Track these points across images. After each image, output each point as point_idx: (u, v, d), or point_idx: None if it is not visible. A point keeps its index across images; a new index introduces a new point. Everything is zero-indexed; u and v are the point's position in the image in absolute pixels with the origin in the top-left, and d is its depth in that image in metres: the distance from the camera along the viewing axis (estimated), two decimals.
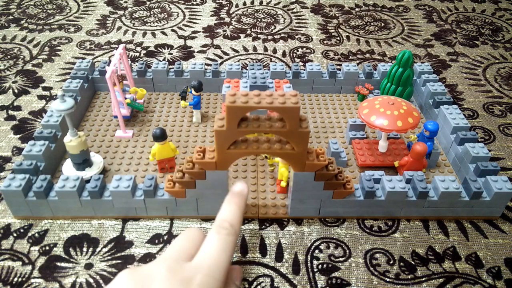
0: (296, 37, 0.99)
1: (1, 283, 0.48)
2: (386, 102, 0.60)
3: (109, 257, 0.51)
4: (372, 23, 1.06)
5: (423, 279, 0.49)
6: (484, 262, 0.51)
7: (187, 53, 0.92)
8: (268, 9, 1.12)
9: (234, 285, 0.39)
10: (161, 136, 0.57)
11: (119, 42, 0.95)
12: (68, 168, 0.60)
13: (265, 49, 0.94)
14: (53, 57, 0.89)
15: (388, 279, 0.49)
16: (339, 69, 0.83)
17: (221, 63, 0.89)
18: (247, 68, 0.81)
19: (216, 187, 0.51)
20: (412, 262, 0.51)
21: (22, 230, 0.54)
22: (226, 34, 1.00)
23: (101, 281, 0.48)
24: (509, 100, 0.80)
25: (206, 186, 0.51)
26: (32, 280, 0.48)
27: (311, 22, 1.06)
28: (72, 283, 0.48)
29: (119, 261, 0.50)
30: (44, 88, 0.80)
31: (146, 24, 1.03)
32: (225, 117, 0.43)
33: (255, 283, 0.48)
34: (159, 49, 0.93)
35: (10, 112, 0.74)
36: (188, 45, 0.95)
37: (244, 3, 1.15)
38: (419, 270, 0.50)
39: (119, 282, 0.35)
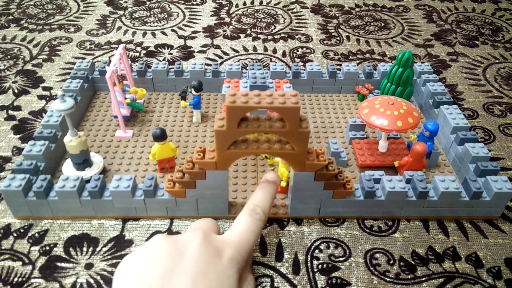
0: (296, 37, 0.99)
1: (1, 283, 0.48)
2: (386, 102, 0.60)
3: (109, 257, 0.51)
4: (372, 23, 1.06)
5: (423, 279, 0.49)
6: (484, 262, 0.52)
7: (187, 53, 0.92)
8: (268, 9, 1.12)
9: (249, 265, 0.41)
10: (161, 136, 0.57)
11: (119, 42, 0.95)
12: (68, 168, 0.60)
13: (265, 49, 0.94)
14: (53, 57, 0.89)
15: (388, 279, 0.49)
16: (339, 69, 0.83)
17: (221, 63, 0.89)
18: (247, 68, 0.81)
19: (216, 187, 0.51)
20: (412, 262, 0.51)
21: (22, 230, 0.54)
22: (226, 34, 1.00)
23: (101, 281, 0.48)
24: (509, 100, 0.80)
25: (206, 186, 0.51)
26: (32, 280, 0.48)
27: (311, 22, 1.06)
28: (72, 283, 0.48)
29: (119, 261, 0.50)
30: (44, 88, 0.80)
31: (146, 24, 1.03)
32: (225, 117, 0.43)
33: None
34: (159, 49, 0.93)
35: (10, 112, 0.74)
36: (188, 45, 0.95)
37: (244, 3, 1.15)
38: (419, 270, 0.50)
39: (155, 244, 0.36)
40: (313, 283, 0.48)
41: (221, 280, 0.34)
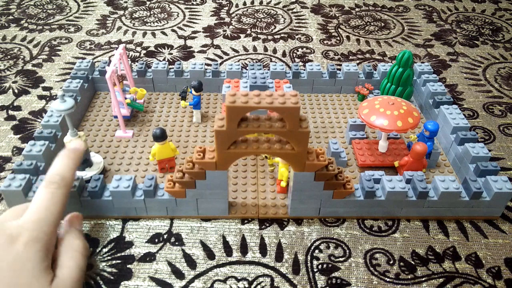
0: (296, 37, 0.99)
1: None
2: (386, 102, 0.60)
3: (109, 257, 0.51)
4: (372, 23, 1.06)
5: (423, 279, 0.49)
6: (484, 262, 0.52)
7: (187, 53, 0.92)
8: (268, 9, 1.12)
9: (76, 230, 0.42)
10: (161, 136, 0.57)
11: (119, 42, 0.95)
12: None
13: (265, 49, 0.94)
14: (53, 57, 0.89)
15: (388, 279, 0.49)
16: (339, 69, 0.83)
17: (221, 63, 0.89)
18: (247, 68, 0.81)
19: (216, 187, 0.51)
20: (412, 262, 0.51)
21: None
22: (226, 34, 1.00)
23: (101, 282, 0.48)
24: (509, 100, 0.80)
25: (206, 186, 0.51)
26: None
27: (311, 22, 1.06)
28: None
29: (119, 261, 0.50)
30: (44, 88, 0.80)
31: (146, 24, 1.03)
32: (225, 117, 0.43)
33: (255, 283, 0.48)
34: (159, 49, 0.93)
35: (10, 112, 0.74)
36: (188, 45, 0.95)
37: (244, 3, 1.15)
38: (419, 270, 0.50)
39: None
40: (313, 283, 0.48)
41: (16, 267, 0.34)
